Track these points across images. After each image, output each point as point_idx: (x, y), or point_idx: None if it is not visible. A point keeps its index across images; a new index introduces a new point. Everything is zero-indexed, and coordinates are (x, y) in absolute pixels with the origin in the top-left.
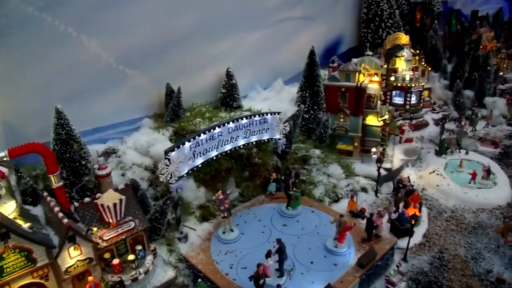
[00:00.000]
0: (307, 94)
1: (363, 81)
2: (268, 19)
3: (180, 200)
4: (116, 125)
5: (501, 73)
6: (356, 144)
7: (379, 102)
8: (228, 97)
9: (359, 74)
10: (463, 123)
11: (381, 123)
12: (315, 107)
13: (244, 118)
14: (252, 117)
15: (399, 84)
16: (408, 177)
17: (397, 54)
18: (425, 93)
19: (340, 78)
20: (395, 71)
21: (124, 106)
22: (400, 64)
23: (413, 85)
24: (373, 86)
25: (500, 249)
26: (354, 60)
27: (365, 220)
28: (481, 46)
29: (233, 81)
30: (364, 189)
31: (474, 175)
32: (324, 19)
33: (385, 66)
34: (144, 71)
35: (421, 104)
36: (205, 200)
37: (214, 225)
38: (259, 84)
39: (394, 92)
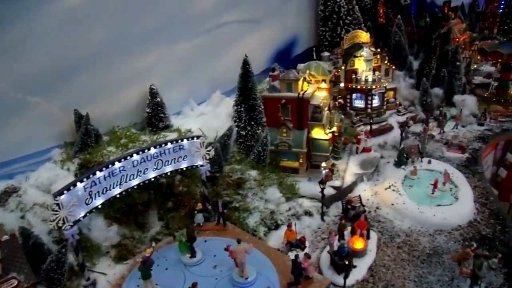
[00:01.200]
0: (242, 109)
1: (305, 91)
2: (200, 26)
3: (86, 242)
4: (22, 158)
5: (475, 66)
6: (301, 160)
7: (326, 112)
8: (153, 117)
9: (303, 82)
10: (428, 126)
11: (329, 135)
12: (252, 123)
13: (153, 148)
14: (163, 145)
15: (358, 87)
16: (359, 196)
17: (356, 54)
18: (390, 93)
19: (281, 88)
20: (355, 72)
21: (30, 137)
22: (360, 64)
23: (374, 87)
24: (320, 94)
25: (455, 281)
26: (300, 65)
27: (302, 252)
28: (452, 39)
29: (158, 99)
30: (308, 213)
31: (435, 184)
32: (273, 20)
33: (342, 67)
34: (49, 97)
35: (385, 107)
36: (121, 238)
37: (130, 267)
38: (194, 99)
39: (354, 95)
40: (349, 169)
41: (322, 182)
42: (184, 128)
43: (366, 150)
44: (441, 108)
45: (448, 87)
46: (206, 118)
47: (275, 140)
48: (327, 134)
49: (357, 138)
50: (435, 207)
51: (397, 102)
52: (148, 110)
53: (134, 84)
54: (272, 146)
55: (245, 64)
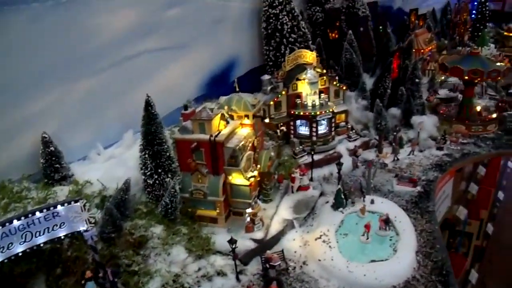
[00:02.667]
0: (147, 155)
1: (219, 132)
2: (108, 59)
3: None
4: None
5: (442, 78)
6: (218, 210)
7: (247, 153)
8: (48, 168)
9: (220, 120)
10: (379, 155)
11: (251, 180)
12: (160, 170)
13: (16, 220)
14: (30, 215)
15: (301, 113)
16: (282, 251)
17: (298, 76)
18: (341, 117)
19: (193, 128)
20: (299, 96)
21: None
22: (303, 88)
23: (318, 112)
24: (243, 132)
25: None
26: (222, 98)
27: None
28: (416, 51)
29: (52, 148)
30: (221, 273)
31: (368, 227)
32: (204, 42)
33: (283, 92)
34: None
35: (333, 133)
36: None
37: None
38: (102, 141)
39: (298, 122)
40: (278, 214)
41: (232, 242)
42: (83, 178)
43: (303, 188)
44: (395, 133)
45: (406, 107)
46: (112, 164)
47: (189, 187)
48: (247, 179)
49: (291, 177)
50: (368, 264)
51: (349, 126)
52: (42, 161)
53: (27, 131)
54: (187, 193)
55: (147, 105)
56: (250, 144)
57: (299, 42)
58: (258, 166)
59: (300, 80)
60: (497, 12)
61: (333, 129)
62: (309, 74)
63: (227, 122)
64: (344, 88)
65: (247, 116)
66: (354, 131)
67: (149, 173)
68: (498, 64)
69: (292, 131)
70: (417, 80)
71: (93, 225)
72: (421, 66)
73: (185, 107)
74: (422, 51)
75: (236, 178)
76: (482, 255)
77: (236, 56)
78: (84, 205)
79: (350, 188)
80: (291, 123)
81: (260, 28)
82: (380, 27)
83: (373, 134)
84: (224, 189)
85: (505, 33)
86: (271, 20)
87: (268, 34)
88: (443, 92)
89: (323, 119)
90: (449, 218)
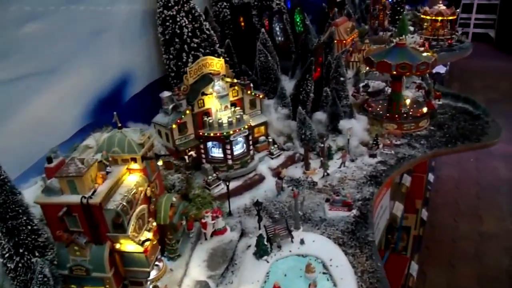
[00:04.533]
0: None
1: (94, 190)
2: None
3: None
4: None
5: (367, 69)
6: (108, 287)
7: (138, 210)
8: None
9: (98, 172)
10: (310, 171)
11: (145, 246)
12: (21, 250)
13: None
14: None
15: (212, 134)
16: None
17: (204, 90)
18: (260, 130)
19: (62, 187)
20: (207, 113)
21: None
22: (212, 103)
23: (231, 131)
24: (131, 181)
25: None
26: (95, 135)
27: None
28: (338, 43)
29: None
30: None
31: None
32: (81, 62)
33: (188, 112)
34: None
35: (252, 151)
36: None
37: None
38: None
39: (210, 143)
40: (189, 274)
41: None
42: None
43: (218, 232)
44: (321, 144)
45: (332, 111)
46: None
47: (67, 262)
48: (140, 245)
49: (202, 223)
50: None
51: (270, 140)
52: None
53: None
54: (66, 270)
55: None
56: (142, 195)
57: (204, 47)
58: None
59: (207, 94)
60: None
61: (251, 147)
62: (217, 86)
63: (108, 172)
64: (261, 96)
65: (134, 159)
66: (276, 145)
67: (7, 254)
68: (425, 55)
69: (203, 155)
70: (342, 79)
71: None
72: (344, 58)
73: (49, 160)
74: (344, 42)
75: (126, 245)
76: (420, 244)
77: (129, 70)
78: None
79: (274, 230)
80: (201, 146)
81: (157, 33)
82: (298, 23)
83: (298, 146)
84: (113, 259)
85: (422, 16)
86: (167, 24)
87: (166, 40)
88: (372, 85)
89: (239, 138)
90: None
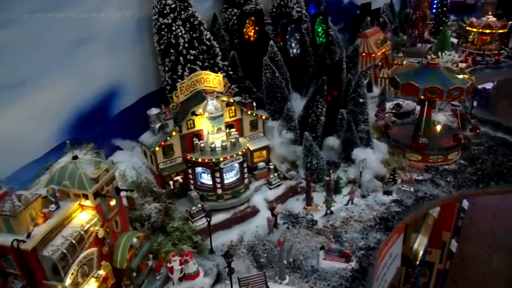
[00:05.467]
0: None
1: (29, 234)
2: None
3: None
4: None
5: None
6: None
7: (74, 263)
8: None
9: (40, 208)
10: (300, 213)
11: None
12: None
13: None
14: None
15: (200, 160)
16: None
17: (194, 110)
18: (261, 154)
19: None
20: (198, 135)
21: None
22: (203, 124)
23: (222, 158)
24: (81, 219)
25: None
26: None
27: None
28: (365, 56)
29: None
30: None
31: None
32: (63, 73)
33: (174, 133)
34: None
35: (247, 180)
36: None
37: None
38: None
39: (200, 168)
40: None
41: None
42: None
43: (188, 277)
44: (327, 177)
45: (346, 137)
46: None
47: None
48: None
49: (168, 267)
50: None
51: (271, 167)
52: None
53: None
54: None
55: None
56: (92, 237)
57: (203, 59)
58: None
59: (198, 115)
60: (459, 4)
61: (246, 175)
62: (210, 105)
63: (56, 208)
64: (264, 117)
65: (85, 195)
66: (276, 174)
67: None
68: (461, 77)
69: (192, 181)
70: (361, 100)
71: None
72: (371, 74)
73: None
74: (373, 55)
75: None
76: (445, 278)
77: (118, 82)
78: None
79: (248, 285)
80: (190, 170)
81: (153, 42)
82: (320, 34)
83: (302, 176)
84: None
85: (468, 28)
86: (163, 33)
87: (162, 50)
88: (405, 104)
89: (233, 164)
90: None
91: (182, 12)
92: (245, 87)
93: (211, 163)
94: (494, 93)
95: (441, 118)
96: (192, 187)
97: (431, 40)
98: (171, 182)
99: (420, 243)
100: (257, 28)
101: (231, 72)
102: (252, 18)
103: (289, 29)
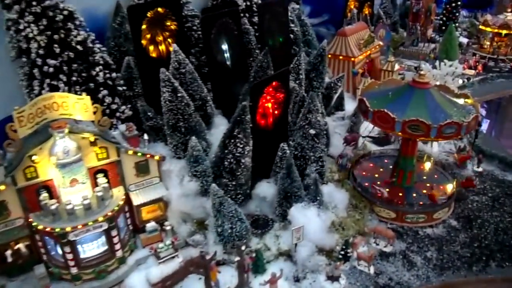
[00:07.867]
0: None
1: None
2: None
3: None
4: None
5: None
6: None
7: None
8: None
9: None
10: None
11: None
12: None
13: None
14: None
15: (39, 227)
16: None
17: (32, 153)
18: (153, 210)
19: None
20: (46, 187)
21: None
22: (51, 173)
23: (67, 228)
24: None
25: None
26: None
27: None
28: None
29: None
30: None
31: None
32: None
33: (3, 187)
34: None
35: (121, 252)
36: None
37: None
38: None
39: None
40: None
41: None
42: None
43: None
44: (237, 257)
45: (283, 187)
46: None
47: None
48: None
49: None
50: None
51: (166, 229)
52: None
53: None
54: None
55: None
56: None
57: (72, 71)
58: None
59: (35, 161)
60: None
61: (117, 245)
62: (58, 146)
63: None
64: (157, 158)
65: None
66: (169, 242)
67: None
68: (462, 103)
69: (43, 250)
70: (312, 132)
71: None
72: (345, 85)
73: None
74: (353, 59)
75: None
76: None
77: None
78: None
79: None
80: (37, 236)
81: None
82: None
83: (212, 242)
84: None
85: (481, 27)
86: (12, 34)
87: (16, 58)
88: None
89: (92, 234)
90: None
91: (33, 2)
92: (141, 110)
93: (56, 234)
94: (504, 103)
95: (435, 150)
96: (44, 257)
97: (436, 39)
98: (8, 253)
99: None
100: (168, 23)
101: (124, 88)
102: (159, 9)
103: (215, 25)
